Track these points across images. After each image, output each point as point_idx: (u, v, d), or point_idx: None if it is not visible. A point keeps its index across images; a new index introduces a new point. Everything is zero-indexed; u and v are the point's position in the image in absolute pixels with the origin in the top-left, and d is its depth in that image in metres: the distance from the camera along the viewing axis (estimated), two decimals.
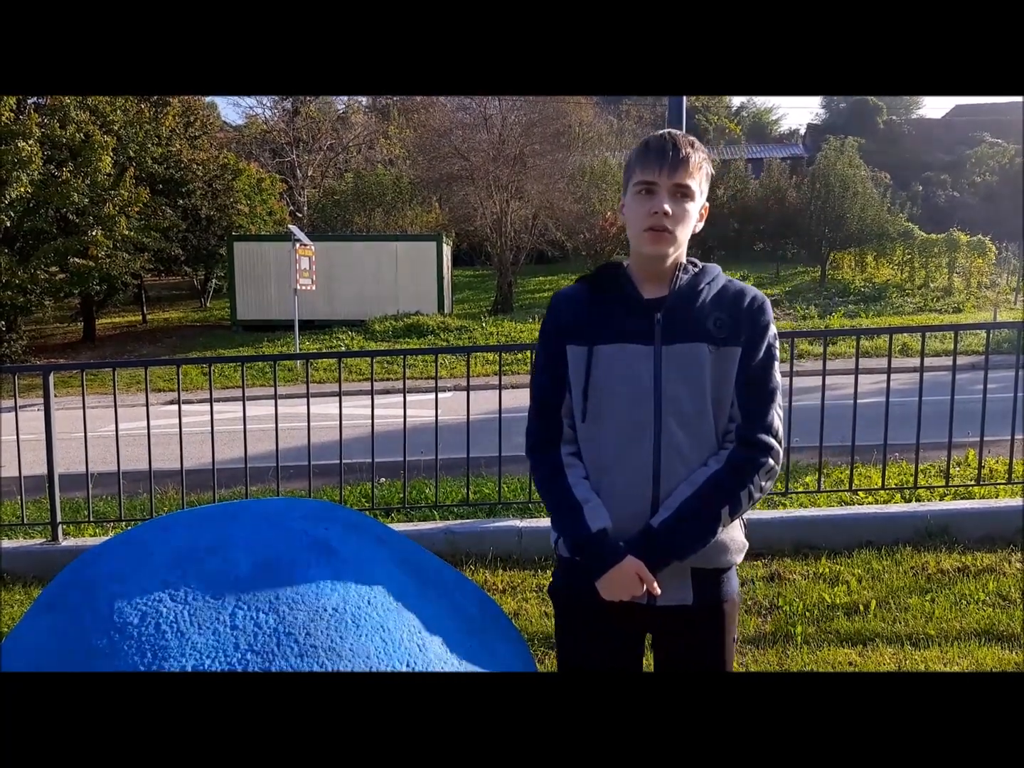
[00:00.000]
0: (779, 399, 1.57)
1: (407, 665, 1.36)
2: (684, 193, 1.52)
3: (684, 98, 4.89)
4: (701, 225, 1.61)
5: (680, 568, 1.54)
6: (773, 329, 1.57)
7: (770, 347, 1.55)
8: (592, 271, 1.68)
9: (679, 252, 1.57)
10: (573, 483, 1.56)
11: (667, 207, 1.50)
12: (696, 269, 1.60)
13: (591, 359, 1.55)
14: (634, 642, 1.65)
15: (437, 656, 1.41)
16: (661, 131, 1.58)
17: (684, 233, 1.54)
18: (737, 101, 49.52)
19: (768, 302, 1.58)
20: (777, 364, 1.57)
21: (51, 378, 4.45)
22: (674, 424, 1.52)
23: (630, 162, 1.58)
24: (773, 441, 1.54)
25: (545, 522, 4.49)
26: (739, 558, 1.62)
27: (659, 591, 1.51)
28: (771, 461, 1.54)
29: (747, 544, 1.65)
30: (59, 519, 4.55)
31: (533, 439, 1.65)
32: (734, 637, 1.65)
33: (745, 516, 1.62)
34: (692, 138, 1.56)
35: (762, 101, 49.41)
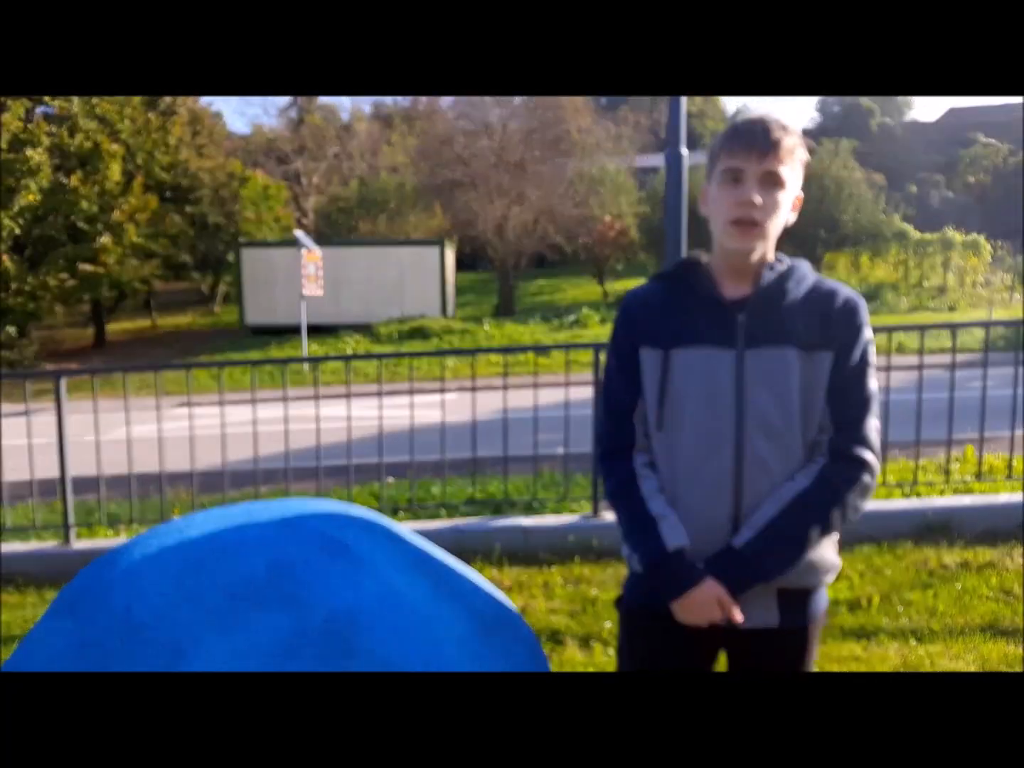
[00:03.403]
0: (876, 409, 1.43)
1: (423, 665, 1.33)
2: (775, 181, 1.37)
3: (684, 101, 4.93)
4: (794, 217, 1.46)
5: (765, 588, 1.42)
6: (868, 332, 1.43)
7: (865, 352, 1.42)
8: (668, 268, 1.53)
9: (767, 247, 1.42)
10: (647, 495, 1.45)
11: (756, 197, 1.36)
12: (783, 267, 1.45)
13: (667, 364, 1.43)
14: (707, 662, 1.54)
15: (452, 656, 1.39)
16: (750, 115, 1.44)
17: (774, 226, 1.40)
18: (733, 106, 49.32)
19: (863, 303, 1.45)
20: (873, 370, 1.43)
21: (63, 383, 4.50)
22: (758, 435, 1.39)
23: (714, 148, 1.44)
24: (870, 455, 1.40)
25: (549, 520, 4.53)
26: (830, 578, 1.50)
27: (740, 618, 1.39)
28: (867, 477, 1.40)
29: (839, 563, 1.51)
30: (72, 522, 4.60)
31: (605, 445, 1.53)
32: (815, 657, 1.54)
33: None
34: (784, 122, 1.40)
35: (757, 106, 49.13)
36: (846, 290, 1.45)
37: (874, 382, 1.44)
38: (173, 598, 1.32)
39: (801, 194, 1.47)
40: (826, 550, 1.47)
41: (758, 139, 1.37)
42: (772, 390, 1.39)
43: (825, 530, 1.40)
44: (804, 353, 1.39)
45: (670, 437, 1.45)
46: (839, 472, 1.40)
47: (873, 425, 1.43)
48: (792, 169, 1.40)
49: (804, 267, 1.48)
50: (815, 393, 1.40)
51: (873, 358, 1.44)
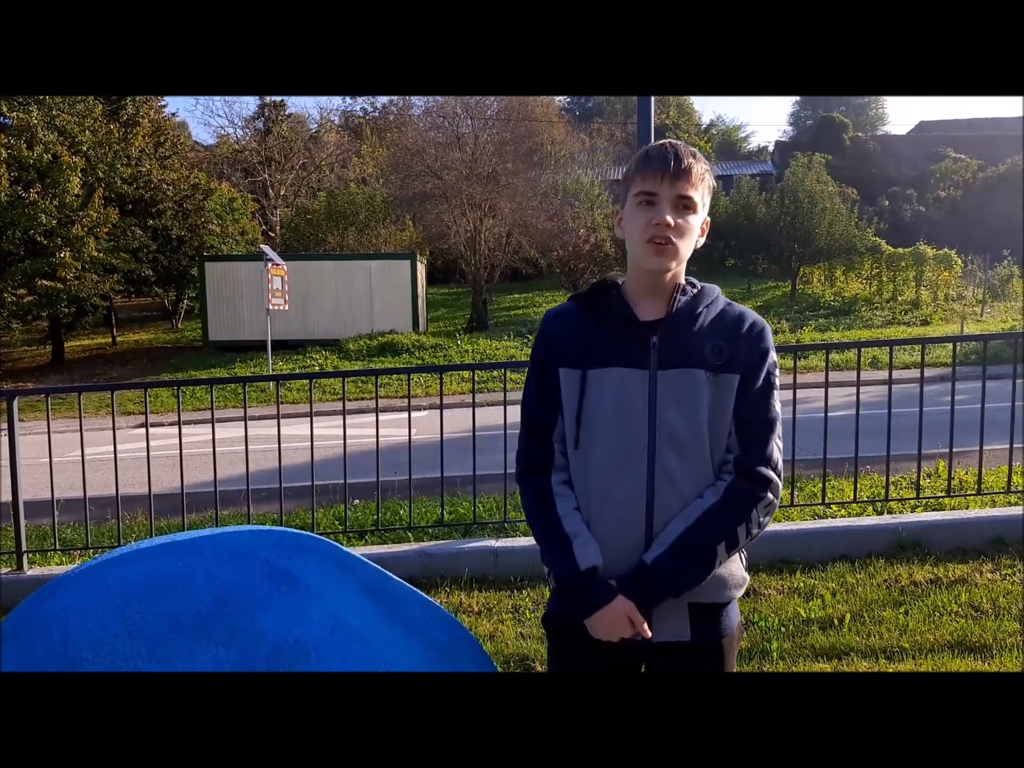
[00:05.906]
0: (779, 429, 1.50)
1: None
2: (686, 205, 1.45)
3: (652, 113, 4.92)
4: (703, 240, 1.54)
5: (677, 603, 1.48)
6: (773, 356, 1.51)
7: (769, 375, 1.49)
8: (585, 289, 1.58)
9: (680, 268, 1.50)
10: (563, 514, 1.49)
11: (669, 218, 1.43)
12: (695, 290, 1.52)
13: (584, 383, 1.48)
14: (629, 674, 1.59)
15: None
16: (662, 141, 1.51)
17: (686, 247, 1.47)
18: (707, 119, 50.35)
19: (768, 328, 1.52)
20: (777, 393, 1.51)
21: (15, 403, 4.36)
22: (668, 453, 1.45)
23: (629, 171, 1.50)
24: (772, 474, 1.47)
25: (521, 542, 4.46)
26: (739, 592, 1.55)
27: (650, 634, 1.45)
28: (770, 495, 1.47)
29: (747, 578, 1.58)
30: (24, 548, 4.45)
31: (523, 464, 1.57)
32: (732, 671, 1.58)
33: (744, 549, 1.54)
34: (694, 148, 1.49)
35: (731, 119, 50.32)
36: (753, 315, 1.52)
37: (778, 404, 1.52)
38: (113, 631, 1.30)
39: (708, 219, 1.55)
40: (735, 565, 1.53)
41: (671, 164, 1.44)
42: (682, 410, 1.45)
43: (731, 546, 1.46)
44: (712, 374, 1.45)
45: (586, 456, 1.49)
46: (744, 490, 1.46)
47: (776, 446, 1.50)
48: (702, 194, 1.48)
49: (714, 291, 1.55)
50: (723, 413, 1.46)
51: (777, 380, 1.52)
